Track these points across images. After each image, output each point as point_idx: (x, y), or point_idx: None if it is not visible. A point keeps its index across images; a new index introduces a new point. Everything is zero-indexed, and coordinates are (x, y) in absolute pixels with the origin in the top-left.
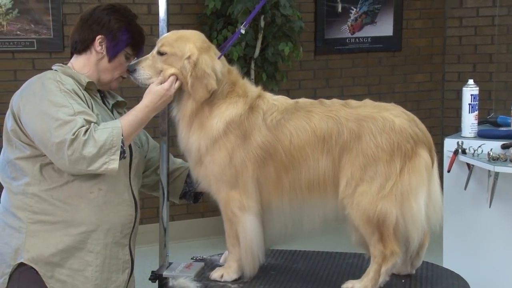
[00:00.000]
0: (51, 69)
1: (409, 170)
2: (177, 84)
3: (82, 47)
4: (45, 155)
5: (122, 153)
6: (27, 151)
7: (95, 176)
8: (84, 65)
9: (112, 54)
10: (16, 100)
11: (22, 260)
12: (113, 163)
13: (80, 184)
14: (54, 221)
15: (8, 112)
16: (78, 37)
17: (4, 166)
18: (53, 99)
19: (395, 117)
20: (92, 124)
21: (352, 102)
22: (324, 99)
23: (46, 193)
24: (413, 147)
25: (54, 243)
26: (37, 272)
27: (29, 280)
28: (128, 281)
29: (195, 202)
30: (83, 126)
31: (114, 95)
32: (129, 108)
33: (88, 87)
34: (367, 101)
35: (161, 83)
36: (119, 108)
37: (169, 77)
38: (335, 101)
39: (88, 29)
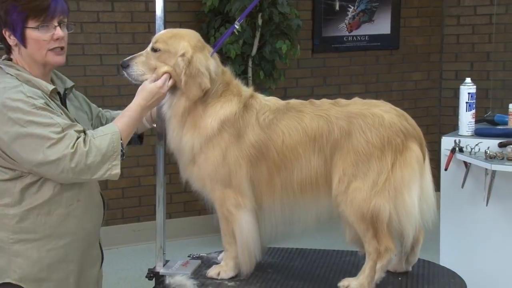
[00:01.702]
0: (2, 70)
1: (401, 164)
2: (170, 82)
3: (5, 48)
4: (24, 176)
5: (122, 156)
6: (6, 175)
7: (73, 189)
8: (20, 61)
9: (20, 39)
10: None
11: (8, 280)
12: (116, 168)
13: (60, 199)
14: (37, 238)
15: None
16: None
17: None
18: (35, 120)
19: (384, 112)
20: (89, 132)
21: (342, 100)
22: (314, 100)
23: (27, 212)
24: (404, 141)
25: (40, 259)
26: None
27: None
28: (99, 271)
29: (141, 144)
30: (78, 137)
31: (63, 79)
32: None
33: (51, 94)
34: (357, 99)
35: (154, 81)
36: (69, 94)
37: (162, 75)
38: (324, 100)
39: None
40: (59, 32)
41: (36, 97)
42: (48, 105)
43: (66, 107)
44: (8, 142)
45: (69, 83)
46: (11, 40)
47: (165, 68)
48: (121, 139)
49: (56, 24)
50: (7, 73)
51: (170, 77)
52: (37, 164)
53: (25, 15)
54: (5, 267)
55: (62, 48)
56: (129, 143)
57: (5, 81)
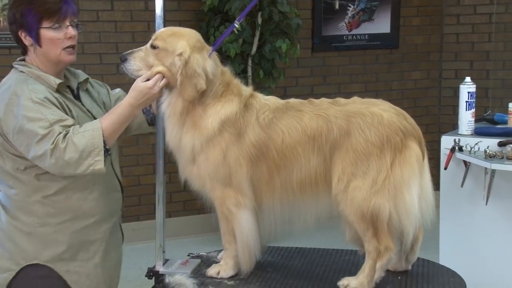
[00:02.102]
0: (16, 68)
1: (400, 162)
2: (162, 83)
3: (21, 49)
4: (37, 166)
5: (106, 151)
6: (19, 163)
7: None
8: (35, 61)
9: (35, 39)
10: None
11: (36, 261)
12: (99, 163)
13: (76, 185)
14: (60, 221)
15: None
16: (15, 42)
17: (0, 176)
18: (28, 115)
19: (383, 111)
20: (71, 128)
21: (341, 100)
22: (313, 99)
23: (46, 199)
24: (403, 140)
25: (65, 241)
26: (49, 268)
27: (40, 276)
28: (121, 254)
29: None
30: (60, 133)
31: (75, 74)
32: None
33: (59, 88)
34: (356, 98)
35: (146, 79)
36: (83, 87)
37: (155, 74)
38: (323, 100)
39: (11, 32)
40: (71, 31)
41: (37, 92)
42: (48, 100)
43: (80, 101)
44: (11, 135)
45: (82, 77)
46: (27, 40)
47: (159, 68)
48: (104, 136)
49: (68, 24)
50: (20, 71)
51: (163, 78)
52: (31, 158)
53: (39, 17)
54: (33, 249)
55: (73, 47)
56: (152, 123)
57: (16, 78)
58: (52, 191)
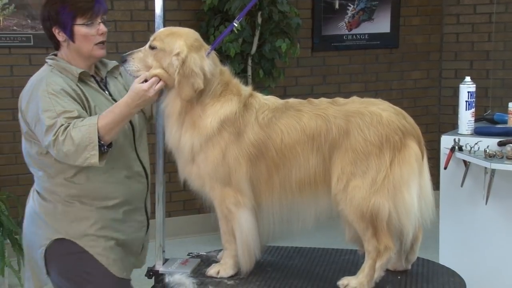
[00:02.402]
0: (47, 62)
1: (399, 161)
2: (158, 86)
3: (54, 44)
4: None
5: (101, 147)
6: (42, 148)
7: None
8: (66, 55)
9: (69, 35)
10: (20, 105)
11: (61, 236)
12: (93, 158)
13: (95, 169)
14: (82, 202)
15: (19, 115)
16: (48, 38)
17: (27, 158)
18: (41, 106)
19: (382, 111)
20: (73, 121)
21: (340, 99)
22: (313, 99)
23: (68, 181)
24: (402, 139)
25: (87, 219)
26: (74, 242)
27: (67, 249)
28: (144, 237)
29: None
30: (62, 125)
31: (105, 63)
32: None
33: (82, 77)
34: (355, 98)
35: (143, 81)
36: (114, 74)
37: (152, 77)
38: (323, 100)
39: (45, 29)
40: (103, 27)
41: (54, 84)
42: (64, 91)
43: (108, 89)
44: (32, 125)
45: (111, 65)
46: (60, 36)
47: (155, 71)
48: (100, 132)
49: (99, 21)
50: (49, 65)
51: (160, 81)
52: (44, 147)
53: (73, 14)
54: (59, 225)
55: (103, 42)
56: None
57: (42, 71)
58: (71, 174)
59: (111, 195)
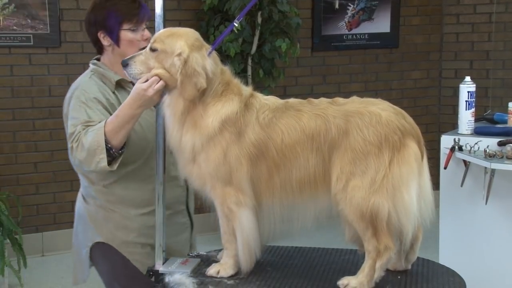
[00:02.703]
0: (90, 67)
1: (399, 161)
2: (158, 86)
3: (98, 48)
4: None
5: (110, 150)
6: None
7: (138, 166)
8: (109, 60)
9: (115, 39)
10: (63, 110)
11: (101, 240)
12: (103, 161)
13: (134, 176)
14: (121, 208)
15: (63, 119)
16: (92, 43)
17: (72, 162)
18: (70, 113)
19: (381, 110)
20: (86, 129)
21: (340, 99)
22: (313, 99)
23: (106, 188)
24: (401, 139)
25: (125, 227)
26: (110, 246)
27: (105, 252)
28: (190, 237)
29: None
30: (79, 132)
31: None
32: None
33: (120, 83)
34: (354, 98)
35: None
36: None
37: (152, 77)
38: (322, 100)
39: (90, 33)
40: (147, 33)
41: (87, 92)
42: (96, 100)
43: None
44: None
45: None
46: (106, 41)
47: (156, 71)
48: (107, 136)
49: (144, 26)
50: (90, 70)
51: (160, 80)
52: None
53: (120, 19)
54: (100, 230)
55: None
56: None
57: (83, 75)
58: (110, 181)
59: (149, 202)
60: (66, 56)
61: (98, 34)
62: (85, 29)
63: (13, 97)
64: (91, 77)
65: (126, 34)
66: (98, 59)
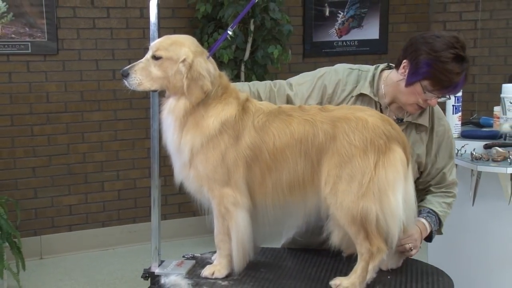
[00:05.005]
0: (377, 65)
1: (384, 163)
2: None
3: (396, 64)
4: None
5: None
6: None
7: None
8: (390, 78)
9: (408, 81)
10: None
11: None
12: None
13: None
14: None
15: None
16: (400, 54)
17: None
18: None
19: (368, 116)
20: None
21: (330, 106)
22: (304, 105)
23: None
24: (386, 143)
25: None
26: None
27: None
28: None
29: None
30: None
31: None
32: None
33: (361, 96)
34: (344, 106)
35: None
36: (416, 129)
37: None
38: (313, 106)
39: (405, 51)
40: (435, 102)
41: (337, 73)
42: (327, 85)
43: None
44: None
45: (422, 120)
46: (403, 70)
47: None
48: None
49: (439, 96)
50: (373, 71)
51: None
52: None
53: (428, 76)
54: None
55: (422, 108)
56: None
57: (365, 67)
58: None
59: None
60: (64, 63)
61: (404, 60)
62: (409, 41)
63: (12, 103)
64: (360, 75)
65: (419, 88)
66: (389, 67)
